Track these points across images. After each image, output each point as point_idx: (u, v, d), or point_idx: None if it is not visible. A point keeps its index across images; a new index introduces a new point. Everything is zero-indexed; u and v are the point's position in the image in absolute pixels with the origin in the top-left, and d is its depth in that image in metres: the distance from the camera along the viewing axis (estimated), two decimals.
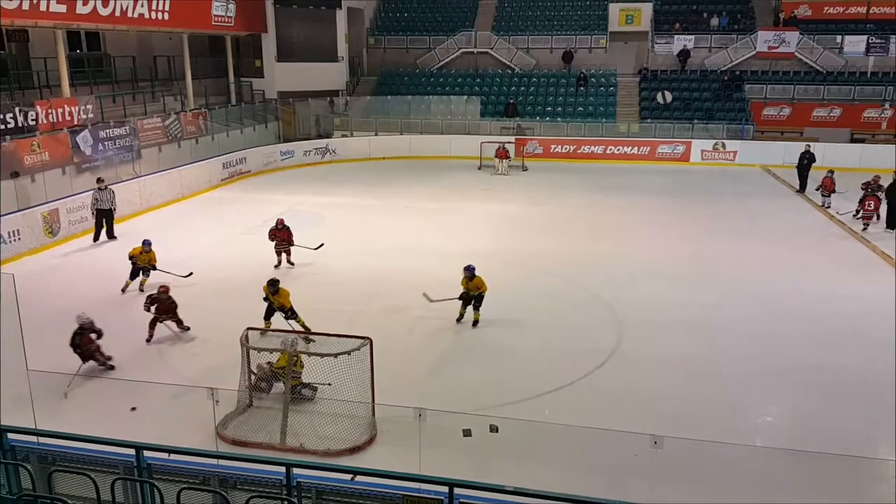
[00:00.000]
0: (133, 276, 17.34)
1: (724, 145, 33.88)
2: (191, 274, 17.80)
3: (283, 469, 8.03)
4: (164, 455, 8.55)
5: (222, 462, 8.39)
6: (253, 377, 11.65)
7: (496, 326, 15.04)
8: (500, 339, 14.56)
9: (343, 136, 36.52)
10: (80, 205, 22.09)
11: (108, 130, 25.37)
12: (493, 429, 10.02)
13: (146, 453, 8.22)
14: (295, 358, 11.32)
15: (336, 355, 10.68)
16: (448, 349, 14.07)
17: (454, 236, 21.84)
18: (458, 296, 15.11)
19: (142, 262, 17.32)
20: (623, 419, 11.23)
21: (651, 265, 19.15)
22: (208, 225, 23.41)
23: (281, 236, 19.00)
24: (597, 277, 18.04)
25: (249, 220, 23.98)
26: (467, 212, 24.93)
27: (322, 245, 19.55)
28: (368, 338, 11.05)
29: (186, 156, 29.03)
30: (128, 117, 27.32)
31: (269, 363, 11.72)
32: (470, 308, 15.10)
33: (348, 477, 8.34)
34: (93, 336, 12.96)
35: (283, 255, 18.96)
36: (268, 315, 14.51)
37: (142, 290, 17.05)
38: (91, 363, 12.90)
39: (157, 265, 17.44)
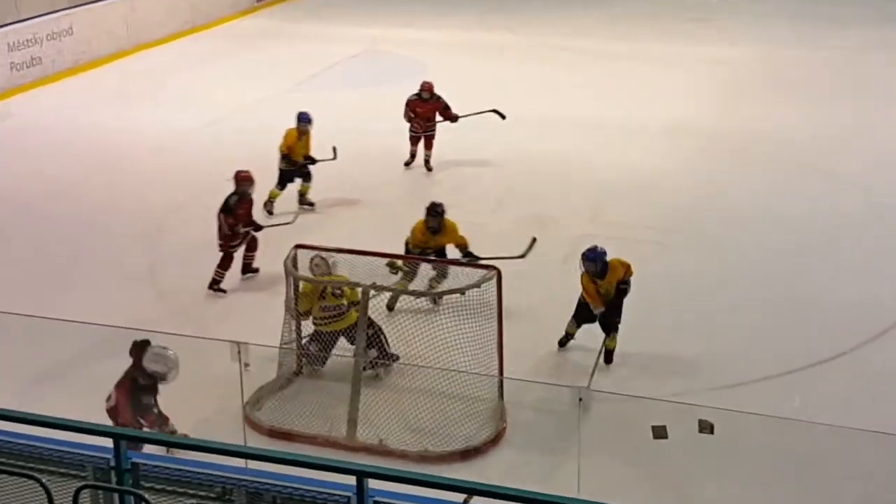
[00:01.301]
0: (283, 182, 16.50)
1: None
2: (334, 151, 17.05)
3: (351, 480, 7.82)
4: (160, 451, 8.59)
5: (253, 465, 8.04)
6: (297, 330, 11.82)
7: (707, 255, 14.91)
8: (714, 275, 14.38)
9: None
10: (31, 37, 22.52)
11: None
12: (705, 427, 9.50)
13: (131, 447, 8.20)
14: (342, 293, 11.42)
15: (438, 296, 10.84)
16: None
17: (638, 100, 21.62)
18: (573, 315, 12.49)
19: (300, 154, 16.33)
20: None
21: None
22: (232, 76, 23.58)
23: (424, 114, 17.85)
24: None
25: (299, 69, 24.03)
26: (663, 59, 24.65)
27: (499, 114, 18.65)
28: (494, 267, 11.00)
29: None
30: None
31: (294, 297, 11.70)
32: (587, 328, 12.43)
33: (458, 498, 8.14)
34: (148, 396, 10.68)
35: (422, 147, 18.25)
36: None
37: (306, 206, 16.56)
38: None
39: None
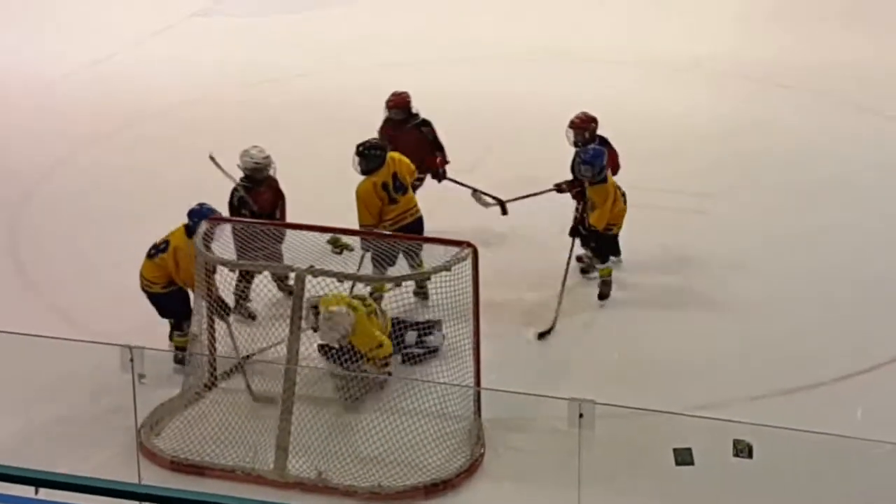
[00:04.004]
0: None
1: None
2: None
3: None
4: (26, 492, 8.13)
5: None
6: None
7: (758, 229, 14.66)
8: (768, 256, 14.05)
9: None
10: None
11: None
12: (741, 449, 9.56)
13: None
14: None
15: (397, 282, 10.87)
16: (649, 274, 13.75)
17: (657, 27, 21.52)
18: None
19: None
20: None
21: None
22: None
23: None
24: None
25: None
26: None
27: None
28: (468, 244, 10.65)
29: None
30: None
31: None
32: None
33: None
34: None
35: None
36: None
37: None
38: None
39: None
